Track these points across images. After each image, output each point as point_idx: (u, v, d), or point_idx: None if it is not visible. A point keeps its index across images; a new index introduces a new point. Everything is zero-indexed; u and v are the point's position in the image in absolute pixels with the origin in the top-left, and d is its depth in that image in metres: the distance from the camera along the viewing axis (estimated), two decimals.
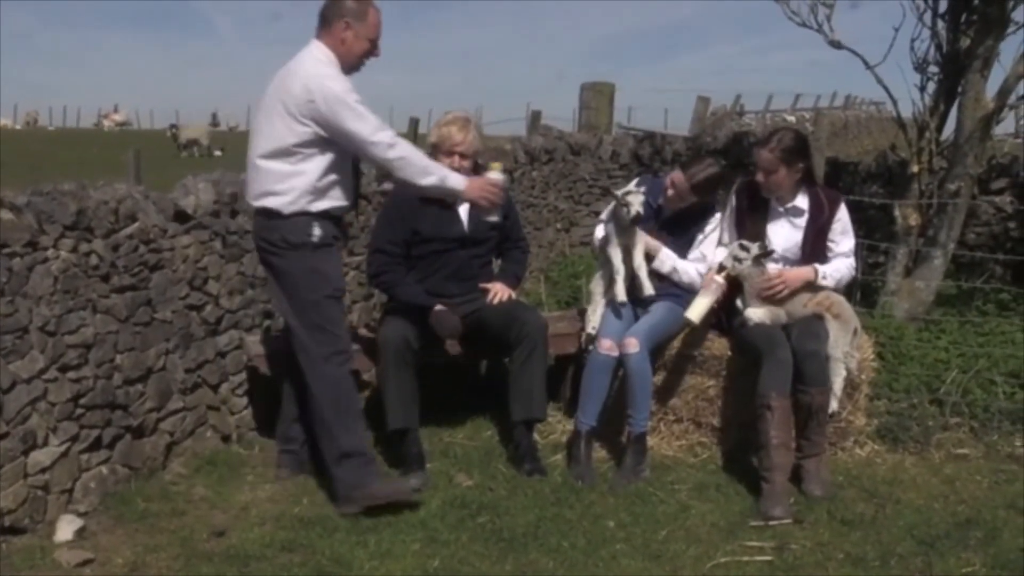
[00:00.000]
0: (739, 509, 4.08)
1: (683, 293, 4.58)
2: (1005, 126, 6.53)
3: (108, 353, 3.91)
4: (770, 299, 4.37)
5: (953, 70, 5.95)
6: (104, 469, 3.94)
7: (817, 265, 4.44)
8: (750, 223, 4.54)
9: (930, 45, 6.05)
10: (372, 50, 4.01)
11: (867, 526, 3.91)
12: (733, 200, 4.66)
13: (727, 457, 4.61)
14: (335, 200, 3.94)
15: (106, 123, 46.25)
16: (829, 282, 4.43)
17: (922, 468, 4.55)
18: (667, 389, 4.71)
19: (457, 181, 4.08)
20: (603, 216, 4.78)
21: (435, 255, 4.58)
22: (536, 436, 4.66)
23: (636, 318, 4.51)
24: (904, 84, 6.45)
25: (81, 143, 28.81)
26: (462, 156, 4.47)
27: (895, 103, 6.26)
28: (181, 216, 4.34)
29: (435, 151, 4.50)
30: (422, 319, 4.43)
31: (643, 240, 4.50)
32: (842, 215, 4.51)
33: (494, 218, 4.29)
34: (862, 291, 5.71)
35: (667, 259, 4.55)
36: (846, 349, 4.40)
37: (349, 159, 3.99)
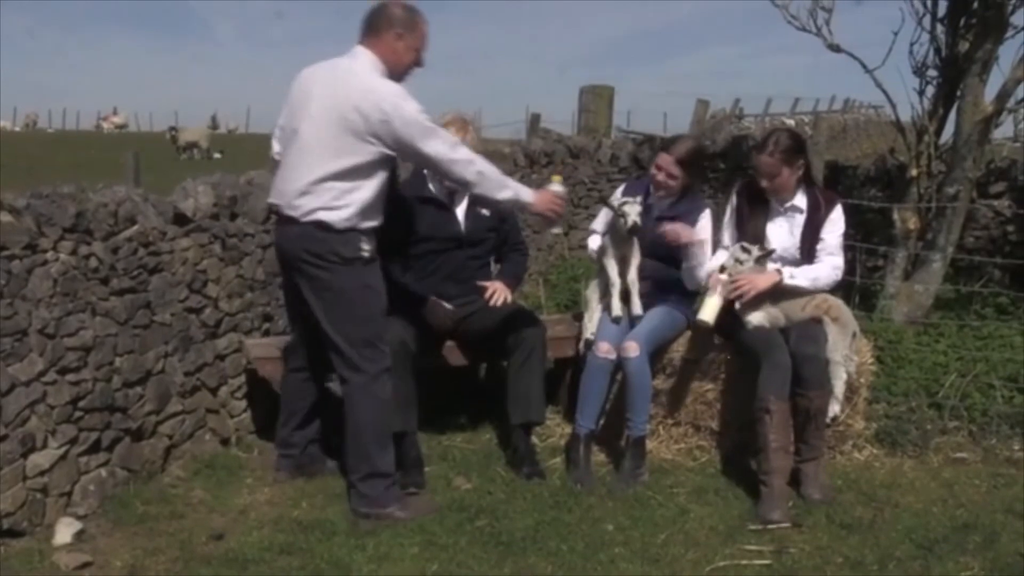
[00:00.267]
0: (738, 513, 4.08)
1: (682, 299, 4.59)
2: (1004, 130, 6.58)
3: (107, 356, 3.91)
4: (738, 300, 4.36)
5: (952, 74, 5.97)
6: (103, 472, 3.94)
7: (782, 267, 4.42)
8: (750, 224, 4.54)
9: (929, 49, 6.07)
10: (418, 61, 3.98)
11: (866, 530, 3.91)
12: (734, 200, 4.66)
13: (726, 461, 4.61)
14: (379, 217, 3.91)
15: (105, 125, 46.20)
16: (801, 281, 4.41)
17: (921, 472, 4.56)
18: (666, 393, 4.71)
19: (528, 194, 4.07)
20: (595, 226, 4.78)
21: (432, 255, 4.58)
22: (535, 439, 4.66)
23: (632, 323, 4.51)
24: (903, 88, 6.47)
25: (80, 145, 28.80)
26: None
27: (894, 107, 6.28)
28: (180, 219, 4.34)
29: None
30: (420, 322, 4.43)
31: (639, 251, 4.50)
32: (835, 214, 4.51)
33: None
34: (861, 295, 5.72)
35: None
36: (845, 353, 4.40)
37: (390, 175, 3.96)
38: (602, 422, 4.55)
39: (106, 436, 3.93)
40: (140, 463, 4.12)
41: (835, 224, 4.50)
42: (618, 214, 4.42)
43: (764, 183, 4.45)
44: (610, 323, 4.52)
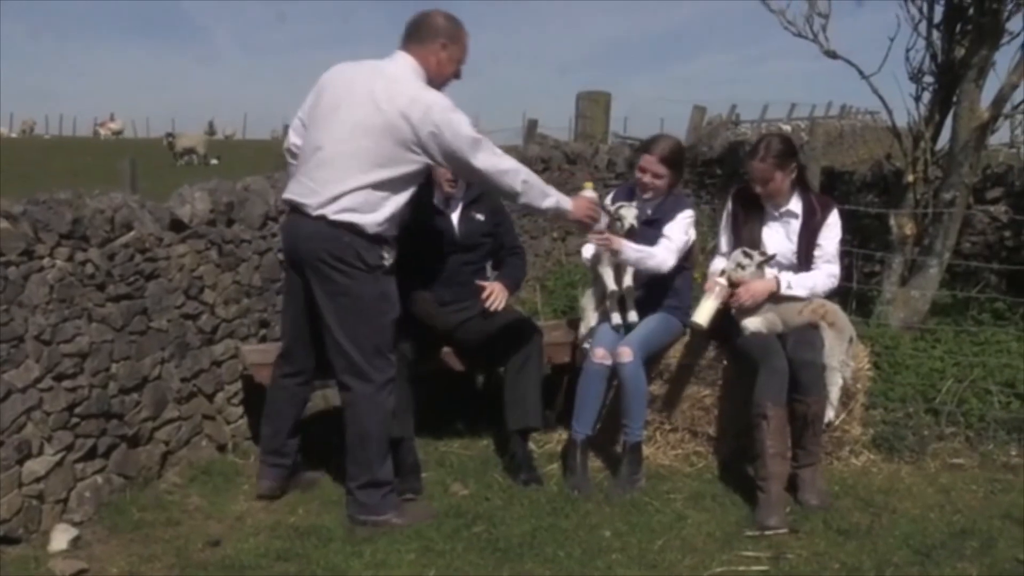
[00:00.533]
0: (735, 519, 4.07)
1: (678, 305, 4.58)
2: (1000, 136, 6.55)
3: (103, 362, 3.90)
4: (740, 309, 4.37)
5: (948, 80, 5.97)
6: (99, 478, 3.93)
7: (781, 276, 4.42)
8: (746, 229, 4.55)
9: (925, 55, 6.08)
10: (457, 74, 3.98)
11: (863, 536, 3.91)
12: (729, 206, 4.67)
13: (723, 466, 4.61)
14: (399, 227, 3.90)
15: (102, 131, 46.22)
16: (798, 291, 4.41)
17: (918, 478, 4.56)
18: (663, 398, 4.71)
19: (567, 202, 4.06)
20: (589, 234, 4.77)
21: (427, 260, 4.56)
22: (532, 445, 4.65)
23: (628, 329, 4.50)
24: (899, 94, 6.45)
25: (77, 151, 28.80)
26: None
27: (890, 113, 6.28)
28: (177, 225, 4.34)
29: None
30: (417, 328, 4.42)
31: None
32: (832, 220, 4.51)
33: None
34: (858, 300, 5.73)
35: (631, 251, 4.41)
36: (842, 358, 4.40)
37: None
38: (599, 428, 4.55)
39: (102, 442, 3.92)
40: (136, 469, 4.12)
41: (832, 230, 4.50)
42: (615, 218, 4.42)
43: (758, 188, 4.46)
44: (606, 329, 4.52)
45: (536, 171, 8.25)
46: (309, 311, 3.91)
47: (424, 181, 4.05)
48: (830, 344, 4.34)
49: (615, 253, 4.39)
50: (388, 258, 3.82)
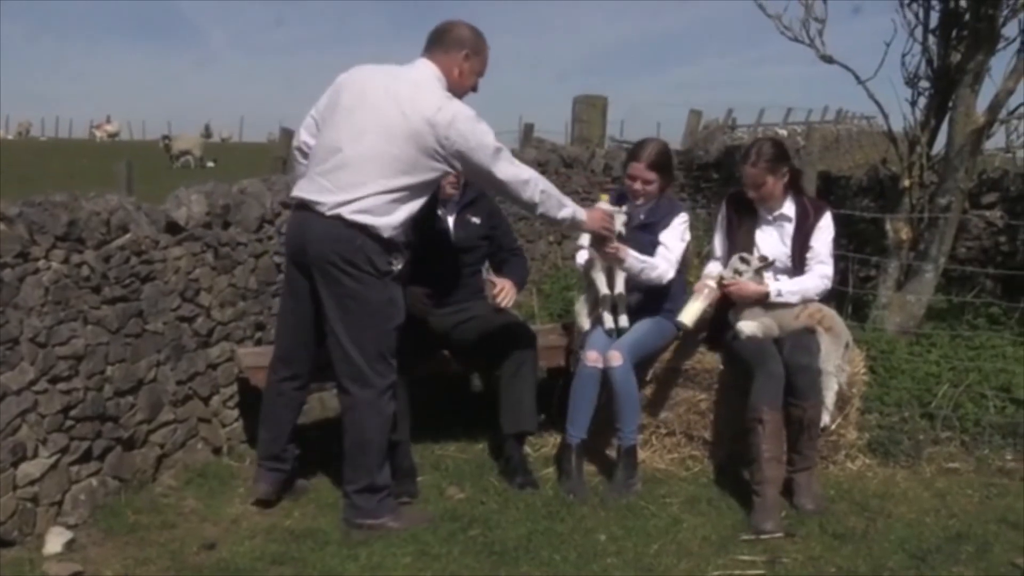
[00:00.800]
0: (731, 523, 4.07)
1: (671, 309, 4.58)
2: (995, 140, 6.58)
3: (99, 365, 3.89)
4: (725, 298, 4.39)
5: (944, 85, 5.99)
6: (94, 481, 3.92)
7: (771, 286, 4.42)
8: (740, 233, 4.55)
9: (921, 60, 6.10)
10: (475, 87, 3.99)
11: (858, 540, 3.91)
12: (724, 210, 4.68)
13: (718, 470, 4.61)
14: (408, 233, 3.89)
15: (98, 134, 46.22)
16: (789, 298, 4.41)
17: (913, 482, 4.56)
18: (659, 402, 4.71)
19: (582, 213, 4.09)
20: (582, 240, 4.77)
21: (423, 262, 4.55)
22: (527, 449, 4.66)
23: (620, 334, 4.50)
24: (895, 98, 6.49)
25: (74, 154, 28.78)
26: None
27: (886, 117, 6.30)
28: (173, 227, 4.34)
29: None
30: (413, 331, 4.41)
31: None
32: (824, 222, 4.52)
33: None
34: (853, 305, 5.73)
35: (635, 261, 4.43)
36: (837, 362, 4.40)
37: None
38: (594, 432, 4.54)
39: (97, 445, 3.91)
40: (131, 472, 4.11)
41: (823, 232, 4.50)
42: None
43: (751, 193, 4.48)
44: (599, 332, 4.51)
45: None
46: (313, 312, 3.90)
47: None
48: (826, 348, 4.35)
49: (620, 263, 4.40)
50: (397, 264, 3.82)
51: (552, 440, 4.87)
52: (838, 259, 4.59)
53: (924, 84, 6.10)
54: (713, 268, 4.61)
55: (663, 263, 4.49)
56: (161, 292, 4.23)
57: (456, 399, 5.19)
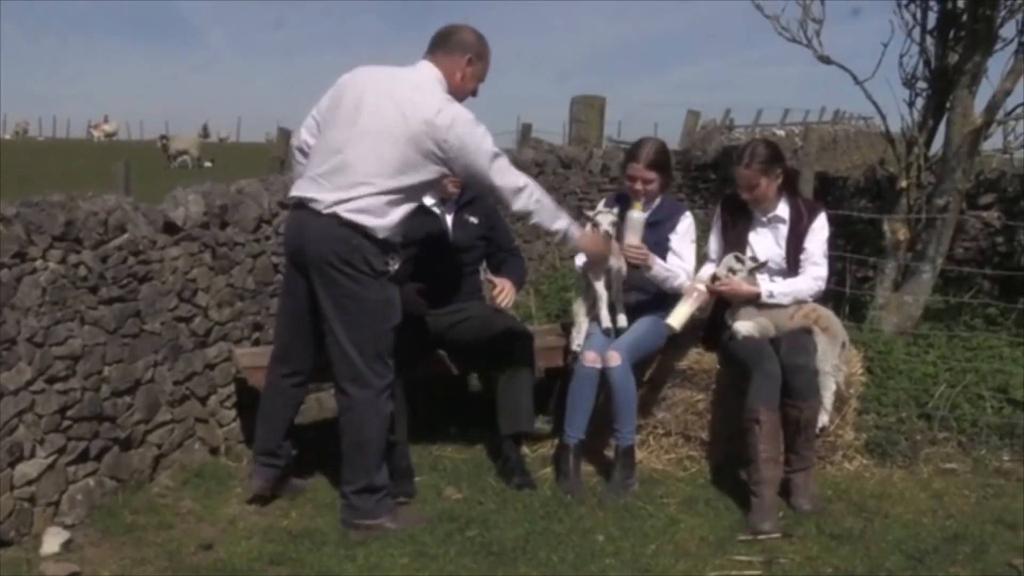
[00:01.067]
0: (728, 523, 4.07)
1: (669, 309, 4.58)
2: (993, 141, 6.55)
3: (96, 365, 3.89)
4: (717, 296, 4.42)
5: (941, 86, 5.99)
6: (91, 481, 3.92)
7: (764, 287, 4.43)
8: (734, 235, 4.56)
9: (919, 61, 6.09)
10: (475, 91, 4.00)
11: (856, 540, 3.91)
12: (719, 212, 4.69)
13: (716, 471, 4.61)
14: (401, 234, 3.90)
15: (96, 133, 46.20)
16: (781, 299, 4.42)
17: (910, 482, 4.56)
18: (656, 403, 4.71)
19: (576, 230, 4.11)
20: None
21: (421, 262, 4.55)
22: (525, 450, 4.65)
23: (617, 334, 4.50)
24: (893, 99, 6.49)
25: (71, 153, 28.75)
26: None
27: (884, 118, 6.29)
28: (170, 228, 4.33)
29: None
30: (410, 331, 4.41)
31: (622, 261, 4.47)
32: (818, 224, 4.52)
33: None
34: (851, 305, 5.73)
35: (660, 269, 4.49)
36: (835, 363, 4.40)
37: None
38: (592, 432, 4.54)
39: (94, 445, 3.91)
40: (128, 473, 4.10)
41: (817, 233, 4.51)
42: (592, 224, 4.42)
43: (744, 195, 4.48)
44: (597, 333, 4.52)
45: (530, 175, 8.33)
46: (310, 311, 3.90)
47: None
48: (823, 349, 4.35)
49: (648, 270, 4.45)
50: (394, 265, 3.83)
51: (549, 441, 4.87)
52: (835, 260, 4.60)
53: (922, 85, 6.10)
54: (706, 271, 4.61)
55: (682, 273, 4.55)
56: (158, 292, 4.23)
57: (454, 400, 5.18)
